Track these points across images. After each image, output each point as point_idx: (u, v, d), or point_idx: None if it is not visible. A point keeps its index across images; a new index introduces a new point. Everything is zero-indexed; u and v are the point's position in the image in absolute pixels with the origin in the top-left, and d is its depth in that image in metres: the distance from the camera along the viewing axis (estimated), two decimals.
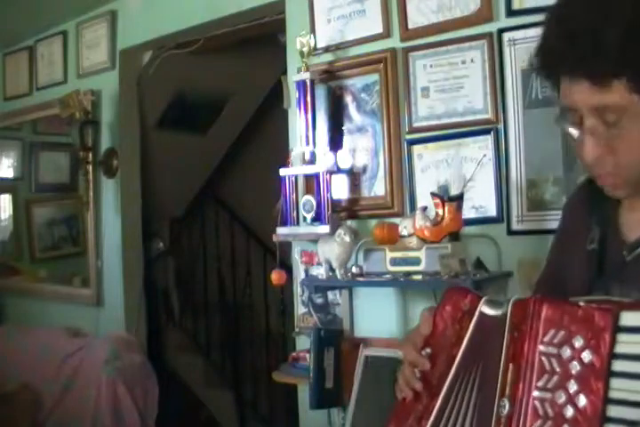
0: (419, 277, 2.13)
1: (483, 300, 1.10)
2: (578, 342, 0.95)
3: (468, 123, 2.32)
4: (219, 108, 4.74)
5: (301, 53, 2.59)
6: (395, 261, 2.19)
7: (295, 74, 2.68)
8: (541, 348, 0.97)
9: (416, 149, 2.45)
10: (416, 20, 2.45)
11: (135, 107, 3.84)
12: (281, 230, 2.66)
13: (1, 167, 4.61)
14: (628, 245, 1.10)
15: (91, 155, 3.78)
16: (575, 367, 0.94)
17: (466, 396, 1.08)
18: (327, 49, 2.69)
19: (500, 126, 2.25)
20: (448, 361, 1.12)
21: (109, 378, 3.16)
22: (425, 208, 2.19)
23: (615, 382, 0.92)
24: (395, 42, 2.52)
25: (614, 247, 1.13)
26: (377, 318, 2.52)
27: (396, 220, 2.35)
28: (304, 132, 2.59)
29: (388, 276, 2.21)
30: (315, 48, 2.64)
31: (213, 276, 4.91)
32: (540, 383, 0.96)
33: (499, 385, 1.00)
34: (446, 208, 2.12)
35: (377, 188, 2.56)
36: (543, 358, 0.96)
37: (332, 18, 2.69)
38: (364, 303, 2.56)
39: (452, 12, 2.36)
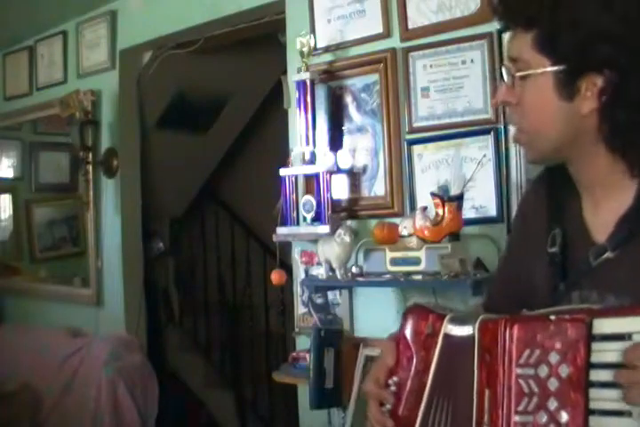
0: (419, 277, 2.13)
1: (446, 319, 1.05)
2: (554, 358, 0.93)
3: (468, 123, 2.32)
4: (219, 108, 4.73)
5: (301, 53, 2.59)
6: (395, 261, 2.19)
7: (295, 74, 2.68)
8: (518, 371, 0.94)
9: (416, 149, 2.45)
10: (416, 20, 2.45)
11: (135, 107, 3.84)
12: (281, 230, 2.66)
13: (1, 167, 4.61)
14: (593, 250, 1.06)
15: (91, 155, 3.78)
16: (554, 384, 0.92)
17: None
18: (327, 49, 2.69)
19: (500, 126, 2.25)
20: (418, 391, 1.08)
21: (109, 378, 3.16)
22: (425, 208, 2.19)
23: (594, 393, 0.90)
24: (395, 42, 2.52)
25: (580, 250, 1.08)
26: (377, 318, 2.52)
27: (396, 220, 2.35)
28: (304, 132, 2.59)
29: (387, 276, 2.21)
30: (315, 48, 2.64)
31: (213, 276, 4.91)
32: (520, 408, 0.93)
33: (474, 412, 0.96)
34: (446, 208, 2.12)
35: (377, 188, 2.56)
36: (521, 381, 0.93)
37: (332, 18, 2.69)
38: (364, 303, 2.56)
39: (452, 11, 2.36)
